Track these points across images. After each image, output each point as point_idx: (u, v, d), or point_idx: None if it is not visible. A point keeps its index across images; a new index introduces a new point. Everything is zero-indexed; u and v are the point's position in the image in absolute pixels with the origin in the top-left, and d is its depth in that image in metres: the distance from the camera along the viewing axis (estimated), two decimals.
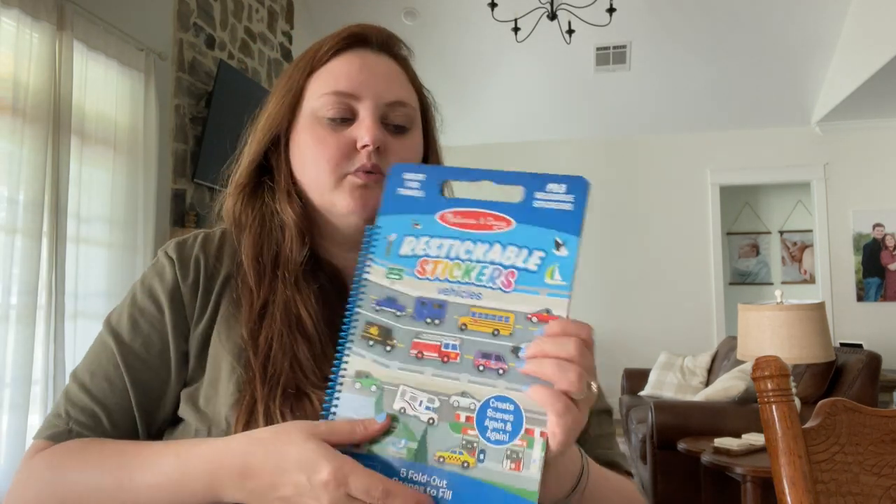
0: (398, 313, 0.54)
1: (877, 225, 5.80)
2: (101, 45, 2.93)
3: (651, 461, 3.19)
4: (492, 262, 0.53)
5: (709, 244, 6.11)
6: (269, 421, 0.59)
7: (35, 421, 2.50)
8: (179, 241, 0.74)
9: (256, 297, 0.68)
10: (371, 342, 0.54)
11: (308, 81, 0.72)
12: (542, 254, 0.52)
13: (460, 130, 6.21)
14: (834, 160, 5.90)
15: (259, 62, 4.40)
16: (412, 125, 0.73)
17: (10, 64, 2.48)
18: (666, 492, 3.15)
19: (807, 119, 5.87)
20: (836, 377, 3.16)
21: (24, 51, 2.52)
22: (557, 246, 0.52)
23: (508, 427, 0.49)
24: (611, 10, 4.00)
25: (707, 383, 4.42)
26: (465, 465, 0.49)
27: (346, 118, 0.70)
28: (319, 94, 0.70)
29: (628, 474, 0.75)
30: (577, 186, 0.53)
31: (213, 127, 3.58)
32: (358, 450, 0.51)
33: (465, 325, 0.52)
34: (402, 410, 0.51)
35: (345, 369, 0.53)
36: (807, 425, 0.76)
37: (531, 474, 0.47)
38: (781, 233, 7.49)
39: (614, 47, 5.32)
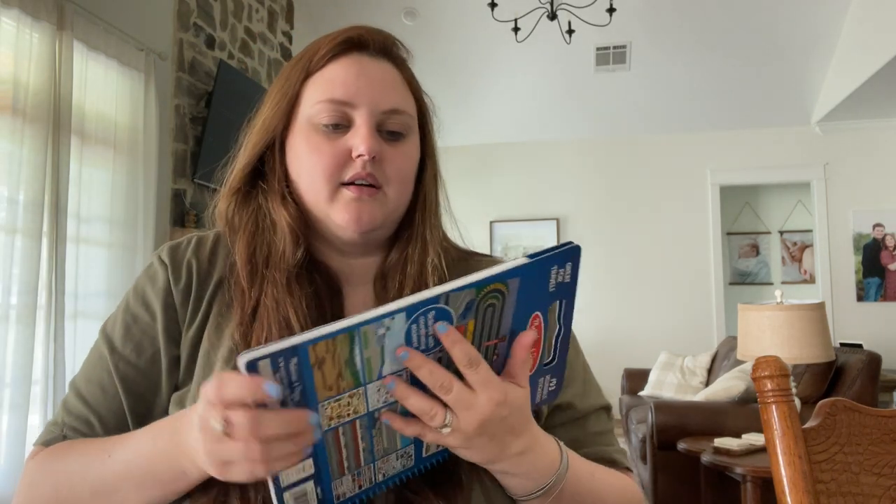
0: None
1: (877, 225, 5.80)
2: (101, 45, 2.93)
3: (651, 461, 3.19)
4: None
5: (709, 244, 6.11)
6: None
7: (35, 421, 2.50)
8: (173, 244, 0.75)
9: (248, 299, 0.68)
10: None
11: (304, 86, 0.71)
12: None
13: (460, 130, 6.21)
14: (834, 160, 5.90)
15: (259, 62, 4.40)
16: (408, 132, 0.72)
17: (10, 64, 2.47)
18: (666, 492, 3.15)
19: (807, 119, 5.87)
20: (836, 377, 3.16)
21: (24, 51, 2.52)
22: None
23: None
24: (611, 10, 4.00)
25: (707, 383, 4.41)
26: None
27: (342, 125, 0.69)
28: (315, 100, 0.70)
29: (627, 470, 0.75)
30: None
31: (213, 127, 3.58)
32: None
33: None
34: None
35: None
36: (807, 425, 0.76)
37: None
38: (781, 233, 7.49)
39: (614, 47, 5.32)
